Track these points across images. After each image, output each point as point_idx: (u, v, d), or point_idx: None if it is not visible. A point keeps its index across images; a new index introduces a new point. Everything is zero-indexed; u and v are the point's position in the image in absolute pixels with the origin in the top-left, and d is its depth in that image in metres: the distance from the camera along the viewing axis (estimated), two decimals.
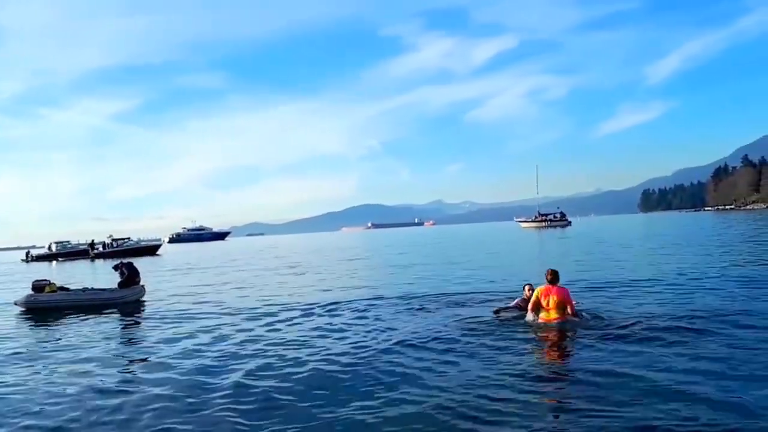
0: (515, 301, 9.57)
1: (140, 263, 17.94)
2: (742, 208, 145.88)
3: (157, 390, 6.08)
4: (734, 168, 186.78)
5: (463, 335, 7.99)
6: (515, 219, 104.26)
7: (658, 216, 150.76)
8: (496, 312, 9.49)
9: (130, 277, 14.16)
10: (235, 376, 6.43)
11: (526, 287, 9.43)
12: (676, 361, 6.12)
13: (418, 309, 10.77)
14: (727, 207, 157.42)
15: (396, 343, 7.71)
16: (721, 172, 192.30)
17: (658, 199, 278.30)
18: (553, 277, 7.99)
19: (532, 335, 7.74)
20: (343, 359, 7.02)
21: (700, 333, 7.36)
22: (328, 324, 9.66)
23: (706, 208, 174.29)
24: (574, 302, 8.18)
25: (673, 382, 5.43)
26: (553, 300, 7.82)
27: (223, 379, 6.39)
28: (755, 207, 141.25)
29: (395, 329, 8.81)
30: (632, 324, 7.93)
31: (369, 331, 8.80)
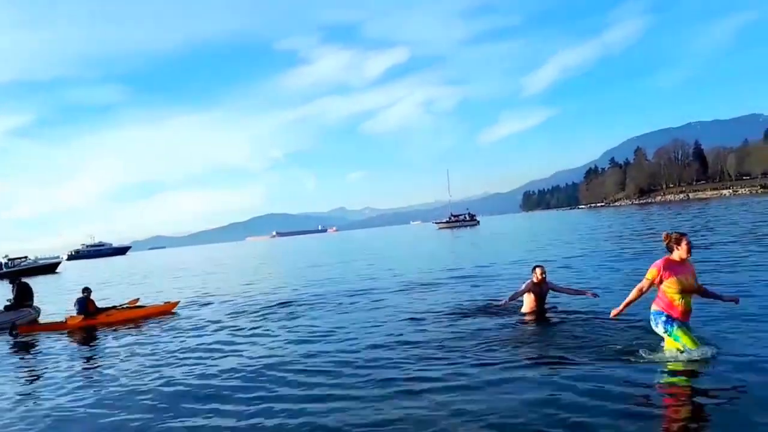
0: (525, 284, 8.43)
1: (39, 282, 17.52)
2: (611, 205, 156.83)
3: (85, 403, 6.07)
4: (603, 169, 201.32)
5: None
6: (434, 222, 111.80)
7: (538, 214, 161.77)
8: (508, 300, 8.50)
9: (19, 299, 13.46)
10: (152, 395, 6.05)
11: (537, 269, 8.39)
12: None
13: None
14: (597, 204, 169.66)
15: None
16: (591, 173, 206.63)
17: (537, 199, 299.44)
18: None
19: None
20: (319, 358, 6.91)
21: None
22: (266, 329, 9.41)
23: (579, 206, 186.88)
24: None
25: None
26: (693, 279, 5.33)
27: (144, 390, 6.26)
28: (621, 204, 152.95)
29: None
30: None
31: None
